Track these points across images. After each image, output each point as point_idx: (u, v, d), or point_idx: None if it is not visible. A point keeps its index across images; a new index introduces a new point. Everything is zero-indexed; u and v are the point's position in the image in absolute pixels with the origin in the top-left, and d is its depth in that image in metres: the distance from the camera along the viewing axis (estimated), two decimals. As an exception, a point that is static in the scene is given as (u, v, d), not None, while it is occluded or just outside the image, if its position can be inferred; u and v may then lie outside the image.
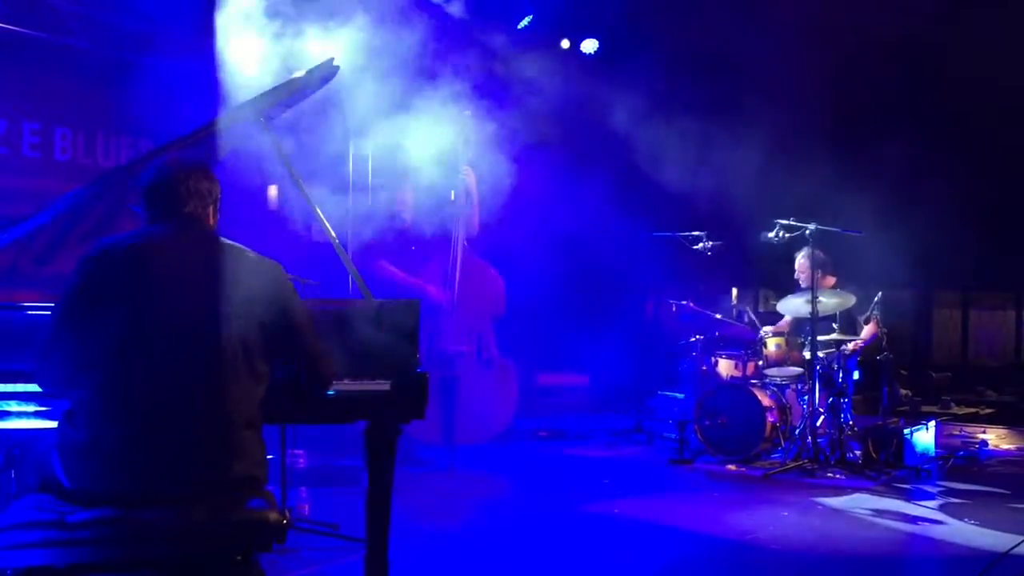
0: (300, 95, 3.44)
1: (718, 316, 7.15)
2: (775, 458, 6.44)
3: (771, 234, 6.45)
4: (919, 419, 6.94)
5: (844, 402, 6.32)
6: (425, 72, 5.37)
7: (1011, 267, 9.77)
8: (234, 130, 3.27)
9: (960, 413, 9.21)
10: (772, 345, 6.74)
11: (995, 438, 7.90)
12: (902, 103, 9.13)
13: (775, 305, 7.23)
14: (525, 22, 7.98)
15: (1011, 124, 8.81)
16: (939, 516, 5.09)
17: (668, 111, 7.51)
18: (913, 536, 4.74)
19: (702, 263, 7.28)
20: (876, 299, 6.68)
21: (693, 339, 7.14)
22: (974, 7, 8.35)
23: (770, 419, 6.33)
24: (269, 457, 2.65)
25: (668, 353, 8.18)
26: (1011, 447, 7.56)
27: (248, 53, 4.38)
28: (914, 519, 5.03)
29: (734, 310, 7.54)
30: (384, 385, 2.99)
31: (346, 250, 3.88)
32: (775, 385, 6.65)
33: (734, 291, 7.63)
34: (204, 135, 3.18)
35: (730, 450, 6.44)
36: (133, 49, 6.21)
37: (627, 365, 8.60)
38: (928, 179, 8.71)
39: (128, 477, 2.35)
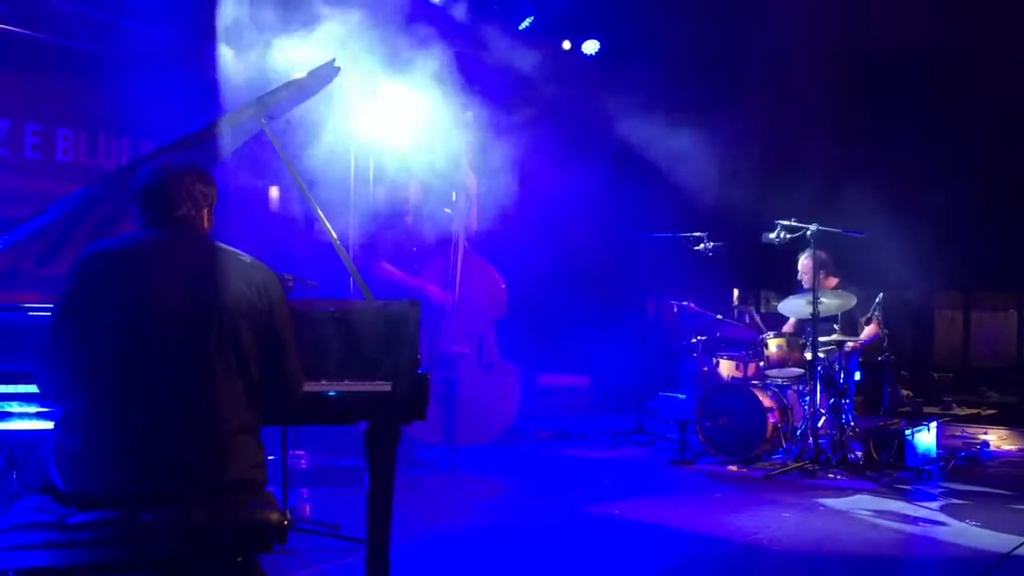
0: (301, 96, 3.45)
1: (719, 317, 7.16)
2: (776, 459, 6.44)
3: (772, 235, 6.45)
4: (920, 420, 6.94)
5: (845, 403, 6.31)
6: (426, 72, 5.37)
7: (1012, 267, 9.77)
8: (235, 131, 3.27)
9: (961, 414, 9.21)
10: (773, 346, 6.74)
11: (997, 439, 7.90)
12: (903, 103, 9.13)
13: (776, 306, 7.24)
14: (526, 23, 7.98)
15: (1012, 123, 8.82)
16: (941, 517, 5.09)
17: (669, 112, 7.51)
18: (915, 537, 4.73)
19: (703, 264, 7.28)
20: (877, 300, 6.68)
21: (694, 340, 7.14)
22: (976, 8, 8.35)
23: (771, 420, 6.33)
24: (270, 458, 2.65)
25: (669, 354, 8.19)
26: (1013, 448, 7.55)
27: (249, 53, 4.38)
28: (916, 520, 5.02)
29: (735, 311, 7.54)
30: (385, 386, 2.99)
31: (347, 251, 3.89)
32: (776, 386, 6.64)
33: (735, 292, 7.63)
34: (205, 137, 3.18)
35: (731, 451, 6.44)
36: (135, 50, 6.21)
37: (628, 366, 8.60)
38: (929, 179, 8.71)
39: (123, 482, 2.35)
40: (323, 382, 2.92)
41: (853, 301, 6.51)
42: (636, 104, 7.39)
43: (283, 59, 4.27)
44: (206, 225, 2.70)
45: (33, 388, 2.70)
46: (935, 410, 9.01)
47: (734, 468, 6.29)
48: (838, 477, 5.93)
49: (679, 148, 7.56)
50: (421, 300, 3.19)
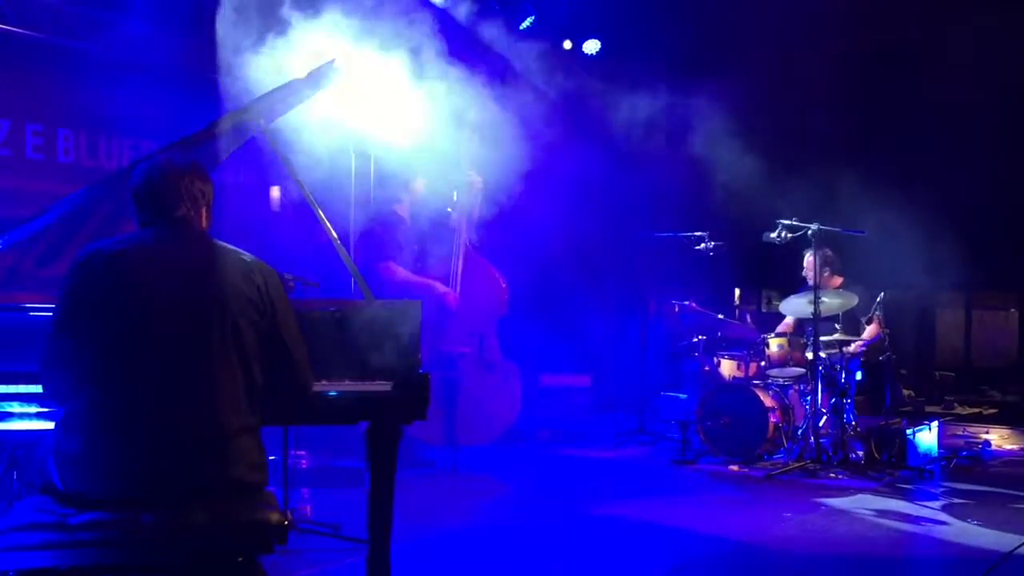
0: (301, 96, 3.44)
1: (720, 316, 7.15)
2: (778, 459, 6.44)
3: (773, 234, 6.45)
4: (922, 419, 6.93)
5: (847, 402, 6.31)
6: (425, 72, 5.36)
7: (1014, 267, 9.76)
8: (236, 131, 3.27)
9: (963, 413, 9.20)
10: (775, 346, 6.73)
11: (998, 438, 7.89)
12: (904, 102, 9.13)
13: (778, 305, 7.23)
14: (527, 23, 7.98)
15: (1014, 123, 8.81)
16: (942, 516, 5.08)
17: (670, 111, 7.50)
18: (916, 537, 4.73)
19: (704, 263, 7.28)
20: (879, 299, 6.68)
21: (695, 340, 7.14)
22: (977, 5, 8.34)
23: (773, 420, 6.32)
24: (271, 458, 2.65)
25: (671, 354, 8.18)
26: (1014, 447, 7.55)
27: (250, 53, 4.38)
28: (917, 519, 5.02)
29: (736, 310, 7.53)
30: (386, 386, 2.99)
31: (349, 250, 3.89)
32: (777, 386, 6.64)
33: (737, 291, 7.62)
34: (206, 137, 3.19)
35: (733, 451, 6.44)
36: (136, 51, 6.21)
37: (630, 366, 8.59)
38: (931, 178, 8.70)
39: (123, 483, 2.35)
40: (323, 382, 2.92)
41: (854, 300, 6.51)
42: (637, 103, 7.39)
43: (283, 59, 4.26)
44: (204, 224, 2.70)
45: (33, 388, 2.70)
46: (936, 409, 9.01)
47: (735, 468, 6.29)
48: (839, 477, 5.93)
49: (680, 147, 7.55)
50: (422, 299, 3.19)
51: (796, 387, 6.64)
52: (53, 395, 2.52)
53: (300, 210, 5.86)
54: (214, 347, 2.44)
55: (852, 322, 6.66)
